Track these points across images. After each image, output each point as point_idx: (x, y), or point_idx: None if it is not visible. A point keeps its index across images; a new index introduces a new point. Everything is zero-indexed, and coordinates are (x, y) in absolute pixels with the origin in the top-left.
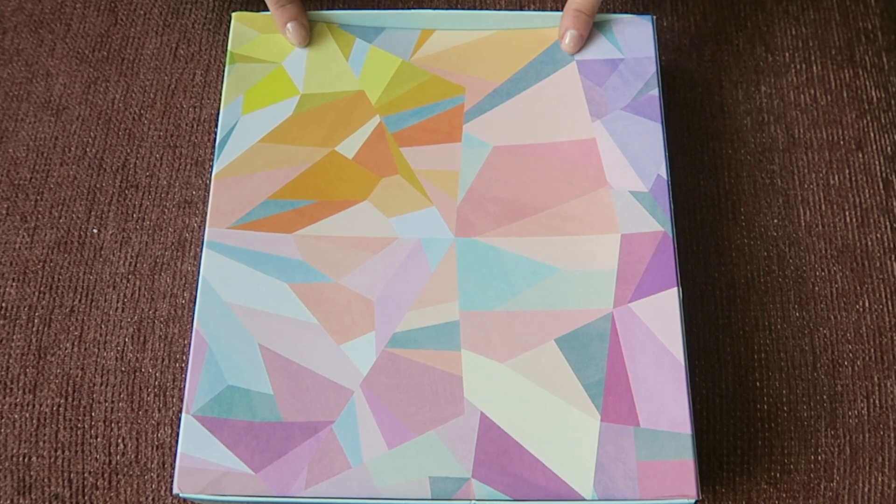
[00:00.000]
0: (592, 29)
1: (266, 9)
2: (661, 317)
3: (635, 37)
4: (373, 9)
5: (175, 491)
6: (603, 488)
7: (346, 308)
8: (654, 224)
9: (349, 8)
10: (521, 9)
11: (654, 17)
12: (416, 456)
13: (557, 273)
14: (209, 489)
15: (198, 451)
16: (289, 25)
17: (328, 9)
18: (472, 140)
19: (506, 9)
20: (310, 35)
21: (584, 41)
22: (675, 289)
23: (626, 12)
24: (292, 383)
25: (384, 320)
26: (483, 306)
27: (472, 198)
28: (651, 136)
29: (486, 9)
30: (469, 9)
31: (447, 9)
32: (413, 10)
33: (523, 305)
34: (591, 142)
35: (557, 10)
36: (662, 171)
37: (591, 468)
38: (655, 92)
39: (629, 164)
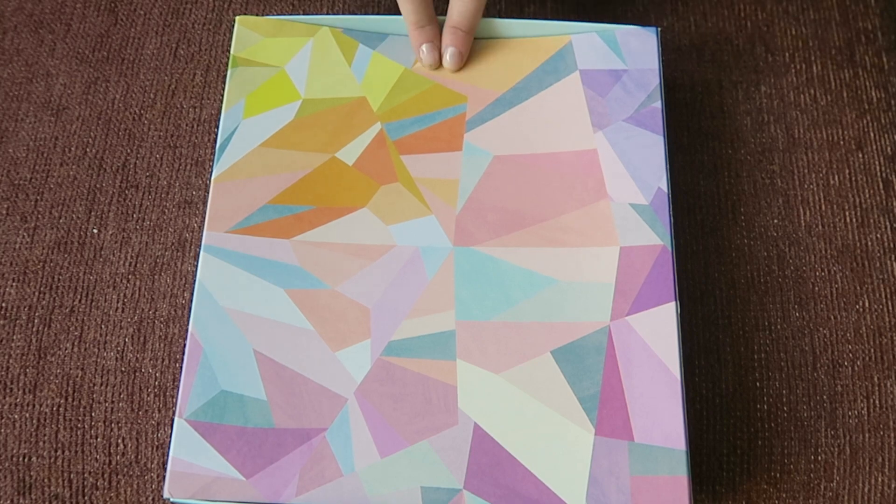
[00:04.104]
0: (596, 38)
1: (268, 13)
2: (658, 331)
3: (639, 48)
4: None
5: (165, 495)
6: (595, 502)
7: (342, 315)
8: (654, 237)
9: (351, 13)
10: (521, 9)
11: (659, 29)
12: (409, 465)
13: (555, 285)
14: (200, 494)
15: (189, 455)
16: (424, 47)
17: (329, 13)
18: (473, 149)
19: (507, 14)
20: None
21: (465, 58)
22: (673, 303)
23: (625, 14)
24: (286, 389)
25: (380, 328)
26: (479, 316)
27: (472, 207)
28: (653, 149)
29: (489, 14)
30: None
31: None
32: None
33: (520, 316)
34: (592, 153)
35: (557, 11)
36: (663, 184)
37: (583, 482)
38: (658, 104)
39: (630, 176)
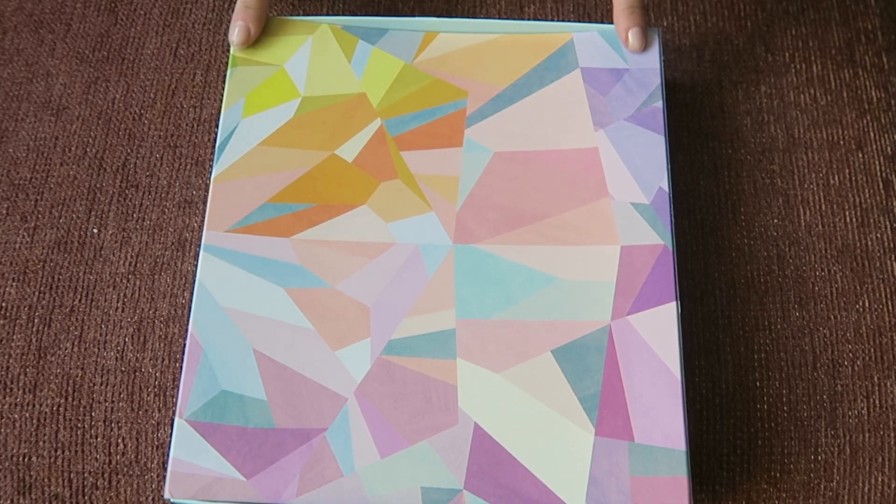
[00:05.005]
0: (598, 37)
1: (270, 12)
2: (659, 331)
3: None
4: (374, 15)
5: (166, 495)
6: (595, 502)
7: (341, 314)
8: (655, 237)
9: (350, 14)
10: (521, 9)
11: (661, 30)
12: (409, 465)
13: (556, 283)
14: (200, 494)
15: (190, 455)
16: (238, 24)
17: (329, 14)
18: (474, 145)
19: (507, 14)
20: (248, 43)
21: (647, 34)
22: (674, 303)
23: None
24: (286, 389)
25: (380, 327)
26: (480, 315)
27: (472, 204)
28: (654, 148)
29: (488, 14)
30: (472, 17)
31: (451, 17)
32: (417, 18)
33: (520, 315)
34: (593, 151)
35: (558, 11)
36: (664, 184)
37: (584, 482)
38: (659, 104)
39: (631, 176)
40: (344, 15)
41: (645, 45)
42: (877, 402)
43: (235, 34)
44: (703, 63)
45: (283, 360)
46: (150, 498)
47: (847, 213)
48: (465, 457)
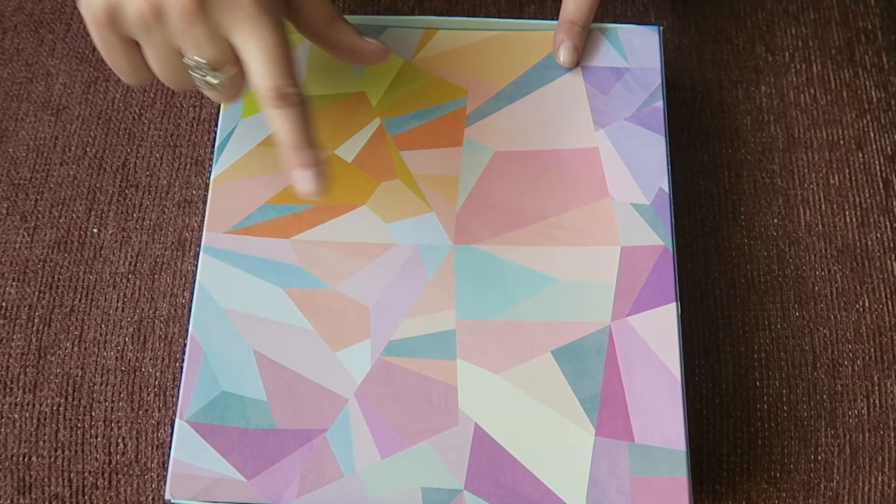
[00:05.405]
0: (598, 35)
1: None
2: (659, 332)
3: (641, 47)
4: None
5: (167, 497)
6: (595, 503)
7: (342, 315)
8: (655, 238)
9: (351, 13)
10: (521, 8)
11: (661, 28)
12: (409, 466)
13: (556, 284)
14: (201, 496)
15: (190, 457)
16: (300, 174)
17: None
18: (474, 144)
19: (507, 14)
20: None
21: (580, 54)
22: (674, 304)
23: (625, 14)
24: (286, 390)
25: (380, 328)
26: (480, 316)
27: (472, 204)
28: (654, 149)
29: (488, 14)
30: (471, 16)
31: (450, 16)
32: (417, 17)
33: (520, 316)
34: (593, 151)
35: (558, 11)
36: (664, 185)
37: (584, 483)
38: (660, 104)
39: (631, 176)
40: (344, 14)
41: (575, 64)
42: (877, 401)
43: (305, 183)
44: (703, 63)
45: (283, 362)
46: (150, 497)
47: (847, 213)
48: (466, 457)
